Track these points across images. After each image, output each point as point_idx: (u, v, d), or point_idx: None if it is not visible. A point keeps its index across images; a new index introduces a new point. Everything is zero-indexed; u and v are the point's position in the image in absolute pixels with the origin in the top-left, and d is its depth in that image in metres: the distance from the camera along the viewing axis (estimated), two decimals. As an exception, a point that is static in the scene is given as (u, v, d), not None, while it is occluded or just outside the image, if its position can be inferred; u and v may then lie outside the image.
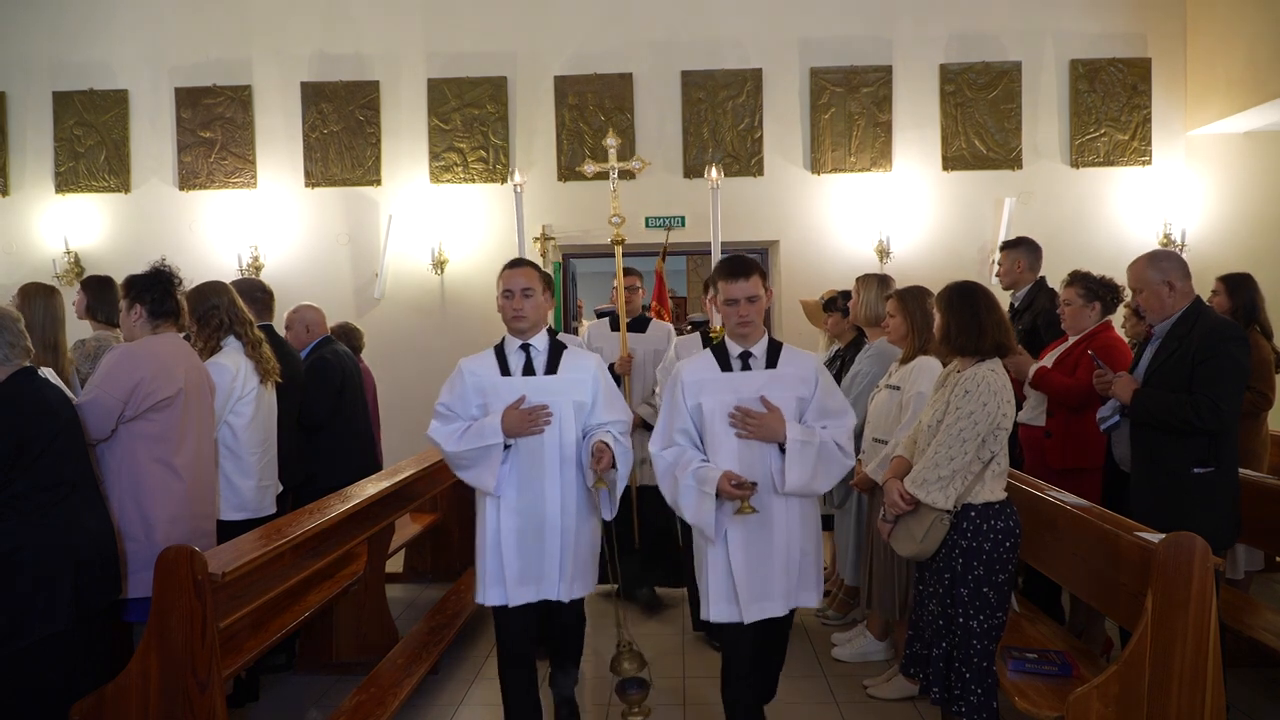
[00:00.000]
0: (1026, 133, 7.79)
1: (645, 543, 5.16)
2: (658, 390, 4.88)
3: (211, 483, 3.71)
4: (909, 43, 7.80)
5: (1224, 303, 4.68)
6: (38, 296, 3.83)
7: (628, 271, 5.29)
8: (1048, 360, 4.41)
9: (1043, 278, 5.08)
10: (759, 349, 3.23)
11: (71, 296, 4.42)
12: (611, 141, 5.03)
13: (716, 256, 3.72)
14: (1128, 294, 4.36)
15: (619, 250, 5.17)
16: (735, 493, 2.99)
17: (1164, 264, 3.54)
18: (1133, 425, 3.59)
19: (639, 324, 5.32)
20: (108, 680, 2.97)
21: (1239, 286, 4.72)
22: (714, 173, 3.98)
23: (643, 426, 4.83)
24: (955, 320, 3.17)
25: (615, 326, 5.26)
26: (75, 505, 3.05)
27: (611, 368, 4.40)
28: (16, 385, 2.99)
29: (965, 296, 3.21)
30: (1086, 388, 4.03)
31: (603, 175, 5.07)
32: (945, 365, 3.42)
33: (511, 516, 3.24)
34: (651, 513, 4.94)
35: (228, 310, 4.00)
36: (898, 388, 3.95)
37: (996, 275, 5.16)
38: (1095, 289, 4.33)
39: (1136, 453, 3.58)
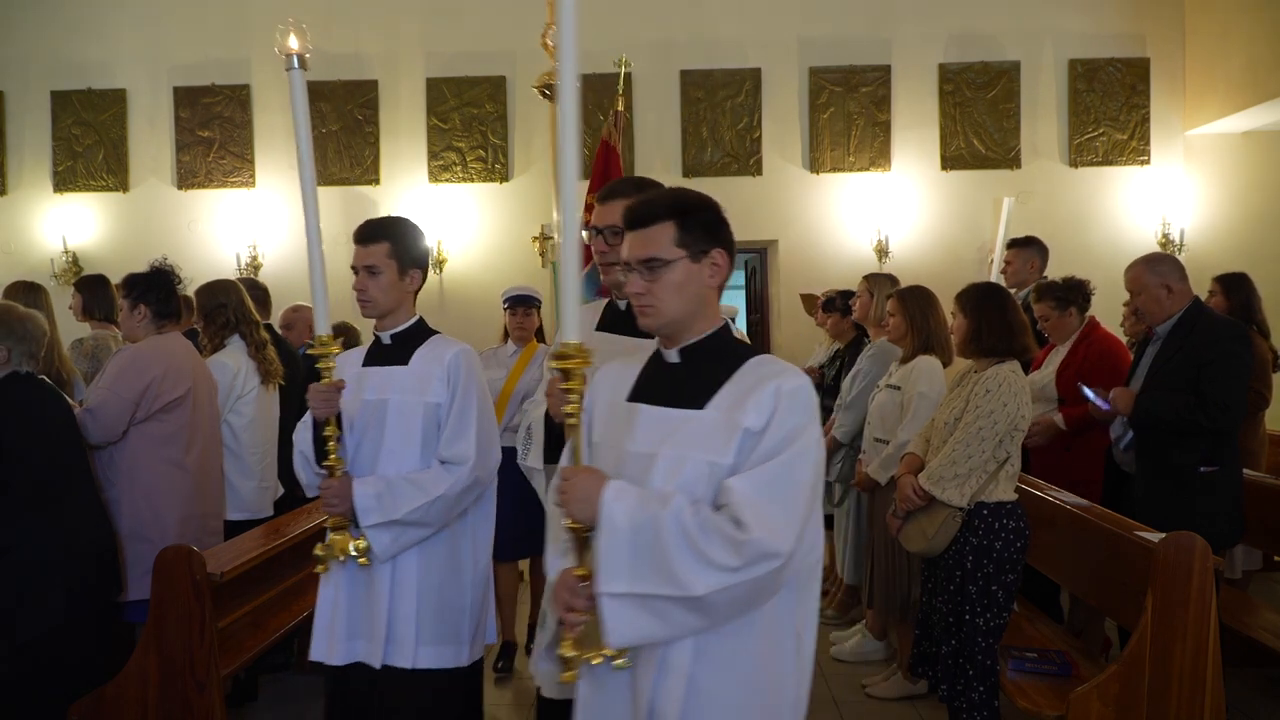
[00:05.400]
0: (1025, 132, 7.78)
1: None
2: None
3: (219, 481, 3.71)
4: (908, 42, 7.80)
5: (1221, 303, 4.69)
6: (21, 295, 3.77)
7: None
8: (1045, 363, 4.41)
9: (1043, 278, 5.08)
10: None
11: (69, 296, 4.40)
12: None
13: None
14: (1094, 289, 4.39)
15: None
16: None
17: (1161, 267, 3.56)
18: (1136, 428, 3.59)
19: None
20: (107, 681, 2.97)
21: (1235, 286, 4.73)
22: None
23: None
24: (987, 322, 3.15)
25: (619, 322, 2.46)
26: (70, 507, 3.04)
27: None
28: (8, 386, 2.98)
29: (994, 298, 3.22)
30: (1080, 414, 4.03)
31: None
32: (968, 365, 3.39)
33: None
34: None
35: (235, 309, 3.99)
36: (898, 387, 3.95)
37: (1001, 273, 5.15)
38: (1064, 296, 4.32)
39: (1141, 454, 3.58)
